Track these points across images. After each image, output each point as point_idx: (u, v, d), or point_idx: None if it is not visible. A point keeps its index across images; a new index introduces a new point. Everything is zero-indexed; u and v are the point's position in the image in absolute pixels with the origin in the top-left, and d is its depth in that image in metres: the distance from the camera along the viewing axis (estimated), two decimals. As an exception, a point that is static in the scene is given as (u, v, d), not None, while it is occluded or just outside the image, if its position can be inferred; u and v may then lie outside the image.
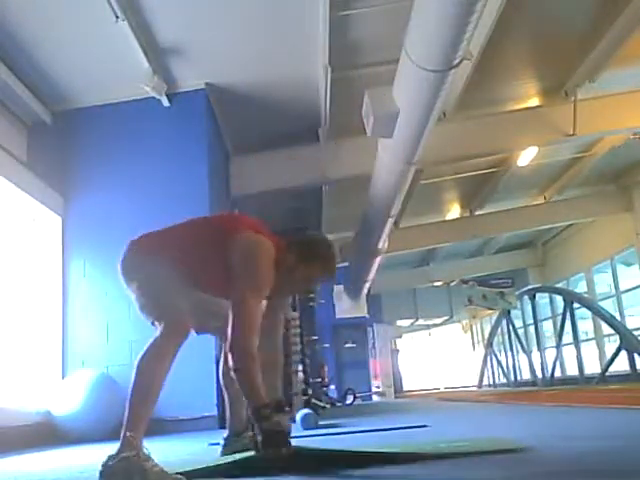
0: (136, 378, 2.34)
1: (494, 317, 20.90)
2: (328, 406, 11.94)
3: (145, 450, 2.14)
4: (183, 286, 2.52)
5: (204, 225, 2.75)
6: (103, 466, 2.07)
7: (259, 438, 2.18)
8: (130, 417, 2.25)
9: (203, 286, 2.65)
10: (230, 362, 2.30)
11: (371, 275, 12.65)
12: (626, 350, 11.63)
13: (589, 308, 13.98)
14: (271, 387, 2.68)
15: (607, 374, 12.39)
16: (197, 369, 5.91)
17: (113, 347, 6.29)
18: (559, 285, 17.54)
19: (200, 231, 2.69)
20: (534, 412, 5.98)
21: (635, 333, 12.07)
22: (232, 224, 2.64)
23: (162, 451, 2.32)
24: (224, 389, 2.91)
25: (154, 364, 2.36)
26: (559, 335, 14.85)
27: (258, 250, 2.48)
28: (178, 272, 2.51)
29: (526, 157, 10.16)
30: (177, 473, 2.10)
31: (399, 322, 24.72)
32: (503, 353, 19.24)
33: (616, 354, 12.03)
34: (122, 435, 2.17)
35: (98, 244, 6.60)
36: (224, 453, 2.81)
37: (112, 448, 2.15)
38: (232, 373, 2.33)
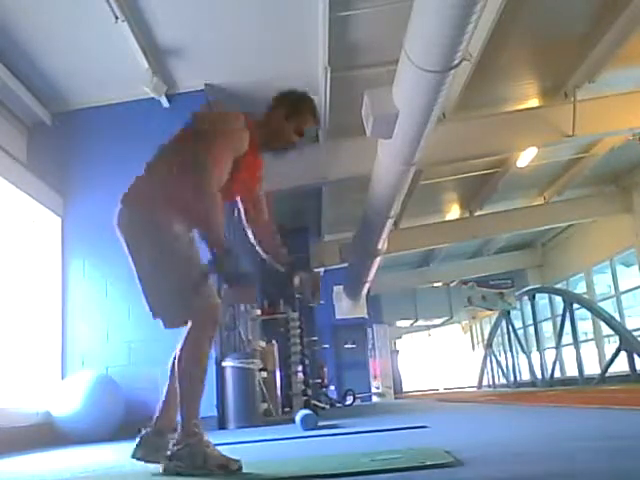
0: (183, 376, 2.42)
1: (494, 318, 20.91)
2: (328, 407, 11.95)
3: (206, 436, 2.31)
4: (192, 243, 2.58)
5: (179, 136, 2.80)
6: (170, 452, 2.28)
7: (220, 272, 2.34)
8: (189, 407, 2.37)
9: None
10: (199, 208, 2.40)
11: (371, 276, 12.65)
12: (626, 351, 11.64)
13: (589, 309, 13.99)
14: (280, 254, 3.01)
15: (607, 375, 12.40)
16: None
17: (113, 348, 6.29)
18: (559, 286, 17.55)
19: (180, 142, 2.74)
20: (534, 413, 5.98)
21: (635, 334, 12.07)
22: (200, 116, 2.78)
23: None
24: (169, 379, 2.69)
25: (194, 364, 2.44)
26: (559, 336, 14.86)
27: (225, 115, 2.71)
28: (180, 216, 2.55)
29: (526, 158, 10.16)
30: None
31: (399, 323, 24.72)
32: (503, 354, 19.26)
33: (616, 355, 12.04)
34: (183, 423, 2.32)
35: (98, 245, 6.59)
36: (137, 453, 2.55)
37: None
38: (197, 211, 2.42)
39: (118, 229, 2.68)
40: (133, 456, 2.50)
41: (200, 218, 2.49)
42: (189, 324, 2.43)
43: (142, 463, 2.50)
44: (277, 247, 3.08)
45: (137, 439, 2.54)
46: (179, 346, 2.44)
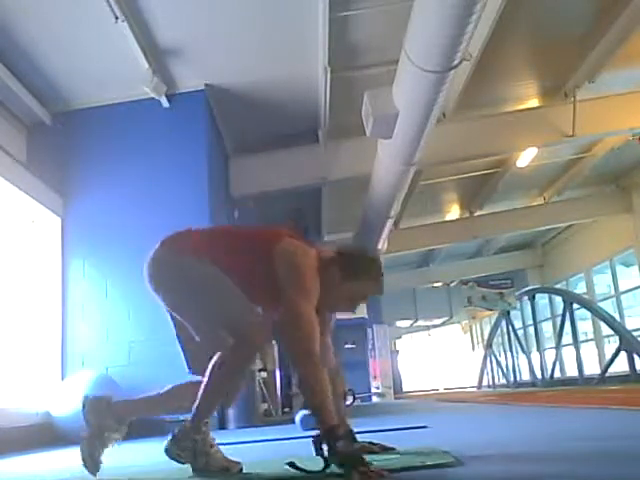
0: (213, 377, 2.36)
1: (494, 318, 20.92)
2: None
3: (211, 437, 2.32)
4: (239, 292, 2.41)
5: (246, 232, 2.67)
6: (170, 443, 2.31)
7: (335, 458, 2.06)
8: (206, 406, 2.37)
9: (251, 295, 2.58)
10: (296, 370, 2.26)
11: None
12: (625, 351, 11.64)
13: (589, 309, 13.99)
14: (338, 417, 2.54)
15: (607, 375, 12.40)
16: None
17: (113, 348, 6.29)
18: (559, 286, 17.55)
19: (244, 237, 2.62)
20: (534, 413, 5.97)
21: (634, 334, 12.07)
22: (273, 233, 2.53)
23: (162, 452, 2.31)
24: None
25: (226, 373, 2.38)
26: (559, 336, 14.87)
27: (300, 258, 2.41)
28: (228, 275, 2.40)
29: (526, 158, 10.15)
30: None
31: (399, 323, 24.71)
32: (502, 354, 19.26)
33: (615, 355, 12.04)
34: (193, 419, 2.33)
35: (98, 245, 6.60)
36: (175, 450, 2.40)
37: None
38: (297, 386, 2.31)
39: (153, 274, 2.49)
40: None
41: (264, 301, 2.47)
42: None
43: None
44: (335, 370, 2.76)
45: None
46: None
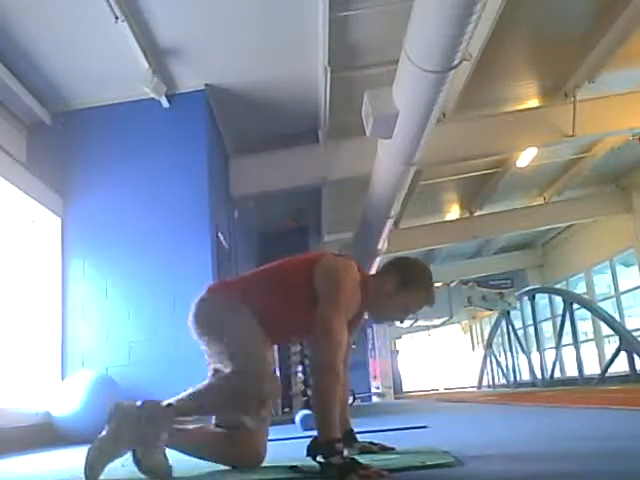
0: (210, 392, 2.45)
1: (493, 318, 20.93)
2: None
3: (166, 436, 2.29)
4: (265, 339, 2.51)
5: (287, 263, 2.66)
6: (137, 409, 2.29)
7: (330, 471, 2.04)
8: (195, 408, 2.40)
9: (288, 331, 2.67)
10: (312, 379, 2.30)
11: (371, 276, 12.63)
12: (625, 351, 11.65)
13: (589, 309, 14.00)
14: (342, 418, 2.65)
15: (607, 375, 12.40)
16: (197, 370, 5.90)
17: (113, 348, 6.29)
18: (559, 286, 17.56)
19: (284, 269, 2.63)
20: (533, 413, 5.98)
21: (635, 334, 12.08)
22: (315, 255, 2.60)
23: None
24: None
25: (216, 400, 2.44)
26: (558, 336, 14.87)
27: (340, 272, 2.45)
28: (261, 322, 2.49)
29: (526, 158, 10.16)
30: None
31: (398, 323, 24.64)
32: (502, 354, 19.27)
33: (615, 355, 12.04)
34: (178, 407, 2.34)
35: (98, 245, 6.60)
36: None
37: None
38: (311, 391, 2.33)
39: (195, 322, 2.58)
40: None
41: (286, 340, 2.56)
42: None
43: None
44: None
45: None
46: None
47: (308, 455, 2.14)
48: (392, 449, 2.71)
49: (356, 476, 1.94)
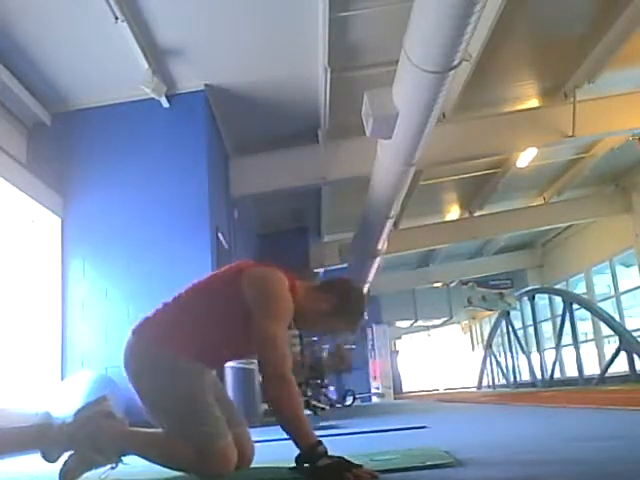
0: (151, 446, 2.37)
1: (493, 318, 20.92)
2: (327, 407, 11.94)
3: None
4: (205, 385, 2.37)
5: (210, 283, 2.54)
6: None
7: (319, 476, 2.02)
8: (130, 445, 2.38)
9: (227, 355, 2.57)
10: (268, 398, 2.20)
11: (370, 276, 12.65)
12: (625, 351, 11.64)
13: (588, 309, 13.99)
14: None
15: (606, 375, 12.40)
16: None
17: (112, 348, 6.26)
18: (558, 286, 17.55)
19: (208, 291, 2.50)
20: (533, 413, 5.98)
21: (634, 334, 12.08)
22: (238, 267, 2.48)
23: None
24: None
25: (165, 461, 2.33)
26: (558, 336, 14.87)
27: (272, 280, 2.36)
28: (197, 355, 2.36)
29: (525, 158, 10.16)
30: None
31: (398, 323, 24.72)
32: (502, 354, 19.26)
33: (615, 355, 12.04)
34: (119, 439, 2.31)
35: (97, 245, 6.60)
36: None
37: None
38: (270, 407, 2.20)
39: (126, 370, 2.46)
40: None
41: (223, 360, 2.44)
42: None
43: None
44: None
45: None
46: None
47: (297, 465, 2.08)
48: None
49: (348, 474, 1.92)
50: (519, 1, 6.25)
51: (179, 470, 2.32)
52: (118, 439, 2.33)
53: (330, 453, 2.06)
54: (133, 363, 2.42)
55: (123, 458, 2.32)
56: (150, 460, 2.32)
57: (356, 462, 2.03)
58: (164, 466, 2.32)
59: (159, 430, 2.35)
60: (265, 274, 2.40)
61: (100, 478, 2.27)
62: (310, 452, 2.05)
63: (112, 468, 2.29)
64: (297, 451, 2.09)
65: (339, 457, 2.04)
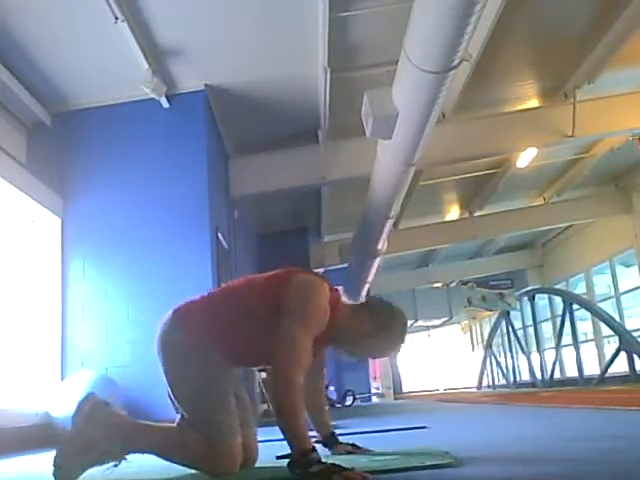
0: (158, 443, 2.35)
1: (493, 318, 20.93)
2: (327, 407, 11.93)
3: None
4: (230, 381, 2.40)
5: (261, 281, 2.52)
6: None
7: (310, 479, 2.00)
8: (135, 442, 2.35)
9: (257, 357, 2.52)
10: (271, 396, 2.17)
11: (370, 276, 12.66)
12: (625, 351, 11.64)
13: (588, 309, 14.00)
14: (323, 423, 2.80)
15: (606, 375, 12.40)
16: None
17: (112, 348, 6.29)
18: (558, 286, 17.56)
19: (255, 289, 2.49)
20: (533, 413, 5.98)
21: (634, 334, 12.08)
22: (288, 271, 2.49)
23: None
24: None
25: (171, 456, 2.33)
26: (558, 336, 14.86)
27: (312, 288, 2.37)
28: (229, 353, 2.38)
29: (525, 158, 10.16)
30: None
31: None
32: (502, 354, 19.26)
33: (615, 355, 12.04)
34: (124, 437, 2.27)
35: (97, 245, 6.60)
36: None
37: None
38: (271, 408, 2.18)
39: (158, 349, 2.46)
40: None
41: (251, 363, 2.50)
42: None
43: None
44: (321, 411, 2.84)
45: None
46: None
47: (289, 469, 2.07)
48: (370, 451, 2.71)
49: (337, 476, 1.91)
50: (519, 1, 6.25)
51: (183, 465, 2.32)
52: (125, 432, 2.32)
53: (324, 460, 2.05)
54: (166, 343, 2.42)
55: (127, 457, 2.30)
56: (156, 453, 2.31)
57: (347, 466, 2.00)
58: (169, 459, 2.31)
59: (165, 424, 2.37)
60: (312, 281, 2.42)
61: (104, 476, 2.25)
62: (302, 458, 2.04)
63: (115, 466, 2.28)
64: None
65: (332, 463, 2.02)
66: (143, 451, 2.32)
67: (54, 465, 2.18)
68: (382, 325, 2.51)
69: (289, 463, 2.08)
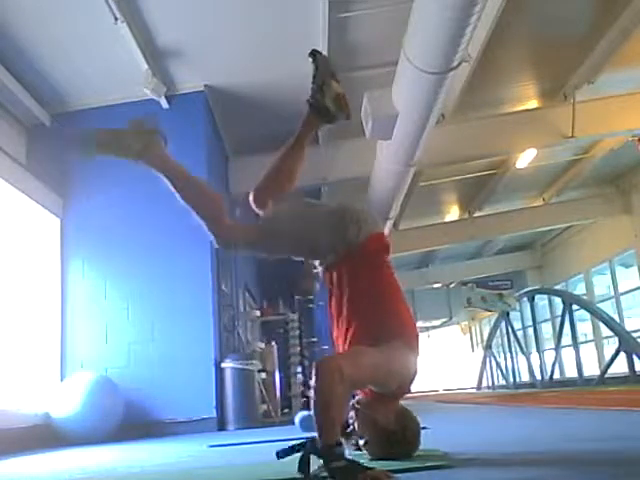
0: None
1: (493, 319, 20.92)
2: None
3: None
4: None
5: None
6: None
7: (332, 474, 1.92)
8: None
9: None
10: (317, 379, 2.03)
11: (370, 277, 12.62)
12: (625, 352, 11.64)
13: (588, 310, 13.99)
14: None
15: (606, 376, 12.40)
16: (196, 371, 5.90)
17: (112, 349, 6.29)
18: (558, 287, 17.55)
19: None
20: (533, 414, 5.97)
21: (634, 335, 12.08)
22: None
23: (162, 453, 2.32)
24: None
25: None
26: (558, 337, 14.86)
27: None
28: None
29: (525, 159, 10.17)
30: None
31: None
32: (502, 355, 19.25)
33: (615, 356, 12.04)
34: None
35: (97, 246, 6.60)
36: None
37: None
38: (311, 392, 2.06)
39: None
40: None
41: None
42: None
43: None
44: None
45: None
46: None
47: (299, 469, 2.00)
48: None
49: (362, 475, 1.85)
50: (519, 1, 6.26)
51: (188, 204, 2.56)
52: (163, 157, 2.54)
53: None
54: None
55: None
56: (173, 181, 2.58)
57: (369, 465, 1.97)
58: (180, 193, 2.56)
59: None
60: None
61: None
62: (326, 450, 1.95)
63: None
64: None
65: (354, 462, 1.96)
66: (163, 172, 2.56)
67: (82, 135, 2.39)
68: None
69: (302, 457, 2.00)
